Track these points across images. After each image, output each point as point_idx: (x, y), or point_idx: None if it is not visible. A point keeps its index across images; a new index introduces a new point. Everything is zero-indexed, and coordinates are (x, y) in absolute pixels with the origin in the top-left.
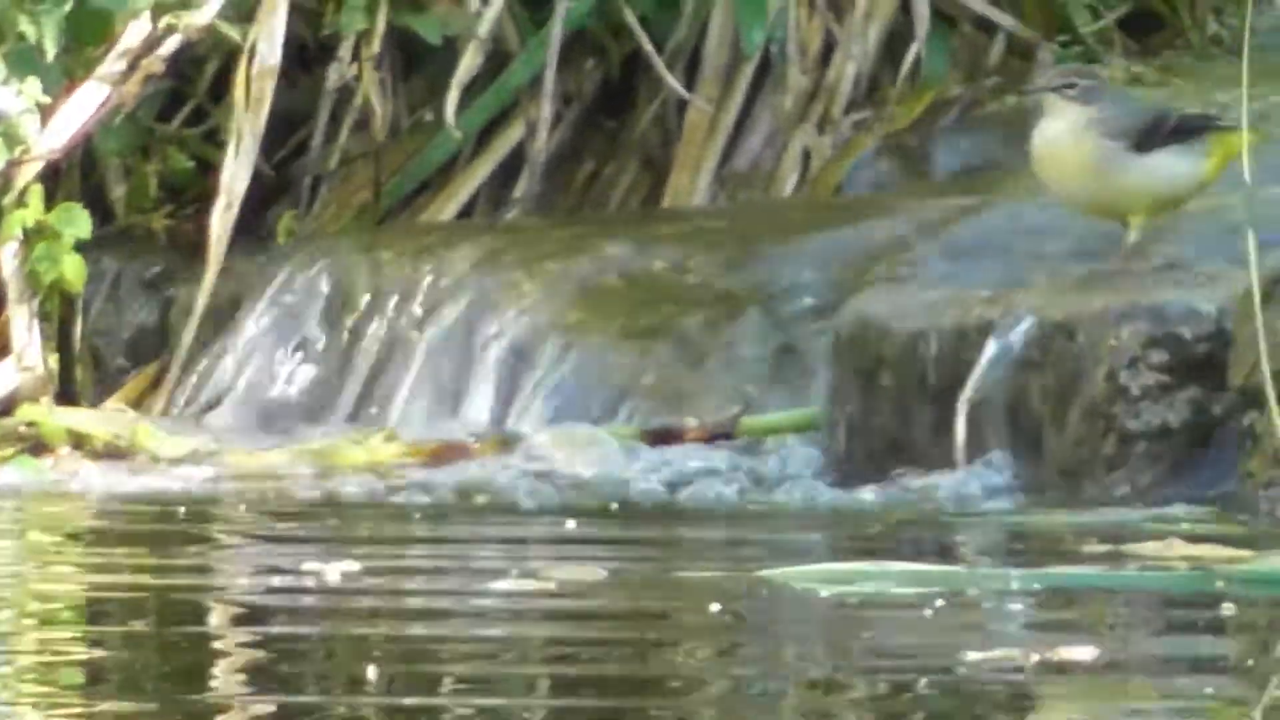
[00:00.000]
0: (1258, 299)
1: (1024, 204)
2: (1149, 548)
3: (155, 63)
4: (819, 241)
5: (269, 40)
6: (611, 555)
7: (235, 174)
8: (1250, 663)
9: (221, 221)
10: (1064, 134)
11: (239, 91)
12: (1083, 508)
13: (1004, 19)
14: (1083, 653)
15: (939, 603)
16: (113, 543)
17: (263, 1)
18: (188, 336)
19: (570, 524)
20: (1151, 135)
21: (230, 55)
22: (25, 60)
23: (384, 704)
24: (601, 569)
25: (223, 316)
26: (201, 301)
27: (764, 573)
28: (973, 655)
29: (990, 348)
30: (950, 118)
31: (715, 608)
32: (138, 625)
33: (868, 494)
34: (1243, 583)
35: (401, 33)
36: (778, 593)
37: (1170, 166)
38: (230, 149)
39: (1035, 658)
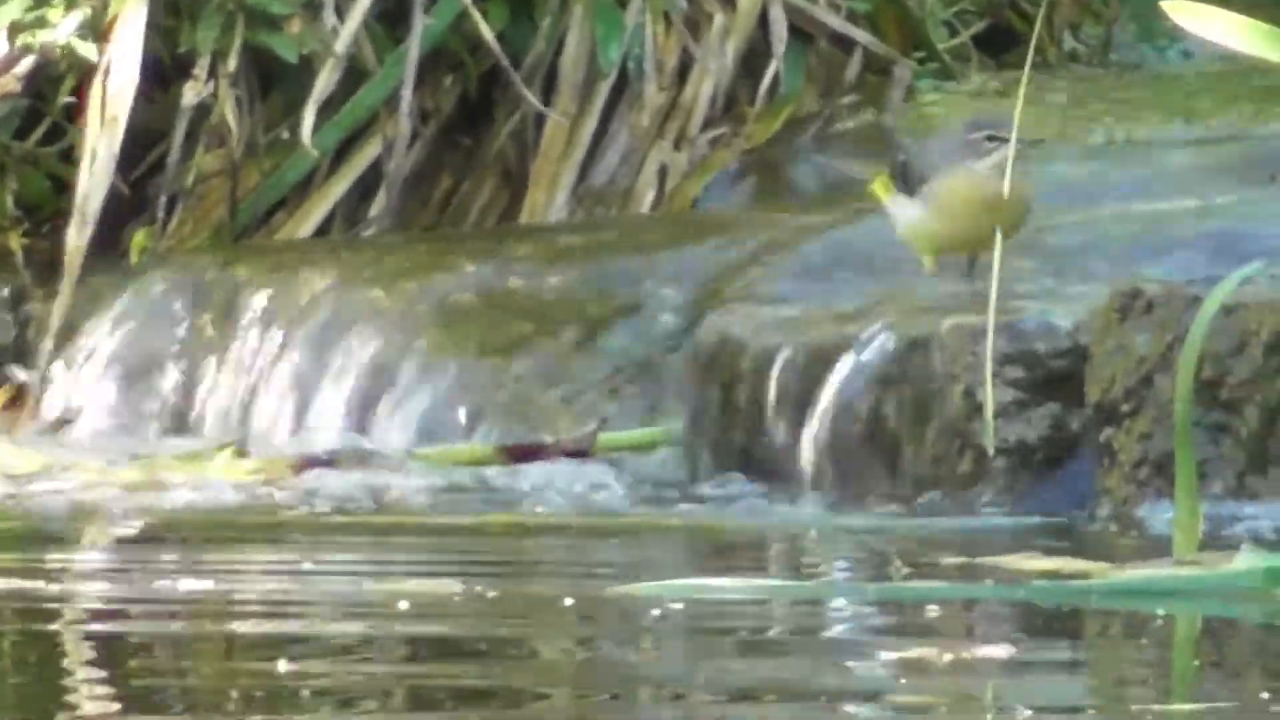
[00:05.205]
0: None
1: (880, 220)
2: (1007, 561)
3: (11, 81)
4: (677, 258)
5: (125, 58)
6: (465, 570)
7: (90, 192)
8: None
9: (77, 239)
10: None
11: (94, 109)
12: (940, 522)
13: (861, 35)
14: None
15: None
16: None
17: (118, 19)
18: (42, 355)
19: (425, 539)
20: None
21: (87, 73)
22: None
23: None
24: (456, 583)
25: (79, 333)
26: (57, 319)
27: (619, 588)
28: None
29: (845, 364)
30: (807, 135)
31: (571, 623)
32: None
33: (724, 510)
34: (1100, 595)
35: (258, 50)
36: (633, 609)
37: None
38: (85, 166)
39: (949, 657)
